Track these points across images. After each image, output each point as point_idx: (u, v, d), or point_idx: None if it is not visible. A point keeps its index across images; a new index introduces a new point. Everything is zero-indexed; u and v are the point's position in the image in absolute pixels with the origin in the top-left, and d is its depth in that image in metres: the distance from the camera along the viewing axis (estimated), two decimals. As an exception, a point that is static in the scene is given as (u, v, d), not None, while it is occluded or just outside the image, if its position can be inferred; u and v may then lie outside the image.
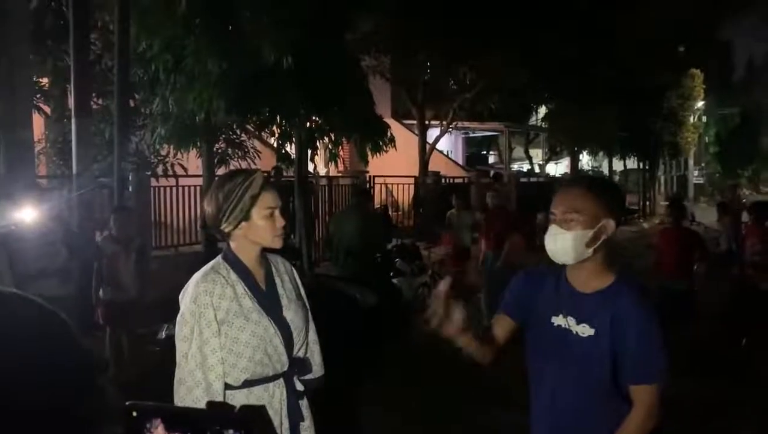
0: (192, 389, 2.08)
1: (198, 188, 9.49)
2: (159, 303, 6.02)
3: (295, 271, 2.40)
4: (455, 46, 13.65)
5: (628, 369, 2.00)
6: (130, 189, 8.38)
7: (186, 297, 2.15)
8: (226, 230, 2.17)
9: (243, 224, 2.16)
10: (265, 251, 2.28)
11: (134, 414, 0.91)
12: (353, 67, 9.67)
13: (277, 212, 2.20)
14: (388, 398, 5.33)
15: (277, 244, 2.22)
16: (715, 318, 6.71)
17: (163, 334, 4.89)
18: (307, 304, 2.37)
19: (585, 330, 2.03)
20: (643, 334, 1.98)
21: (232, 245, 2.22)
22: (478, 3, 13.02)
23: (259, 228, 2.17)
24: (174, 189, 9.58)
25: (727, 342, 6.58)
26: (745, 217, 8.85)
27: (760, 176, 38.65)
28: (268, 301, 2.21)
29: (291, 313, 2.25)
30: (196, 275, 2.18)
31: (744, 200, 13.16)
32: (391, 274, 8.06)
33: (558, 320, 2.08)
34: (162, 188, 9.42)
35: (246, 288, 2.17)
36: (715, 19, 28.52)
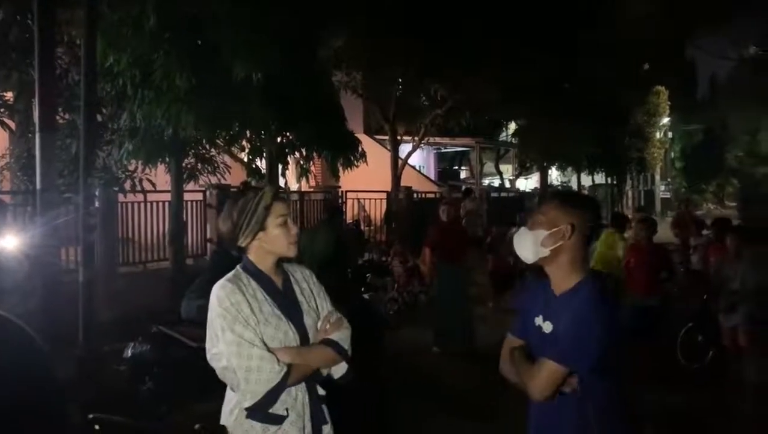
0: (264, 368, 2.14)
1: (167, 203, 9.37)
2: (125, 321, 5.91)
3: (313, 276, 2.47)
4: (426, 63, 13.75)
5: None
6: (97, 205, 8.24)
7: (212, 308, 2.21)
8: (244, 244, 2.29)
9: (260, 234, 2.28)
10: (281, 261, 2.36)
11: (97, 427, 0.89)
12: (324, 82, 9.68)
13: (289, 221, 2.32)
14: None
15: (292, 252, 2.32)
16: (684, 333, 6.80)
17: (128, 352, 4.77)
18: (323, 307, 2.41)
19: (548, 327, 2.24)
20: (575, 319, 2.13)
21: (250, 257, 2.31)
22: (448, 21, 13.16)
23: (275, 237, 2.28)
24: (142, 205, 9.44)
25: (694, 356, 6.68)
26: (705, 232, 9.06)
27: (724, 190, 39.53)
28: (288, 307, 2.29)
29: (310, 319, 2.33)
30: (216, 286, 2.25)
31: (698, 212, 13.40)
32: (363, 289, 8.03)
33: (538, 321, 2.30)
34: (130, 204, 9.28)
35: (266, 295, 2.27)
36: (679, 38, 29.27)
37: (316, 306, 2.38)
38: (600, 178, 27.28)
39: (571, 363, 2.12)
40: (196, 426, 2.06)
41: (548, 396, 2.15)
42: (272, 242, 2.28)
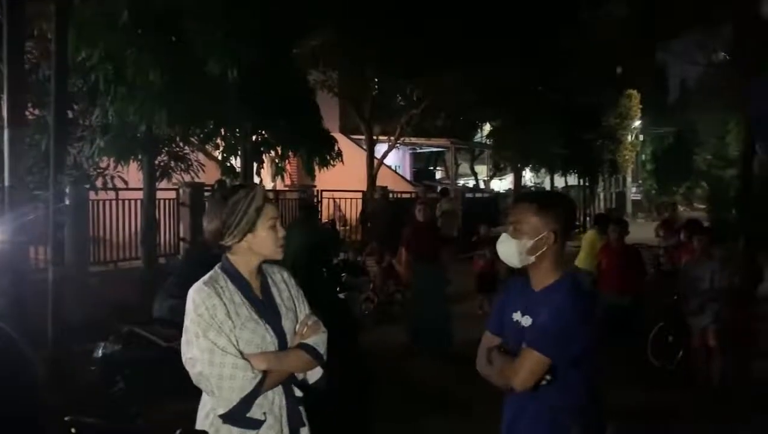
0: (237, 376, 2.11)
1: (139, 201, 9.24)
2: (96, 320, 5.82)
3: (291, 278, 2.44)
4: (402, 63, 13.78)
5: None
6: (67, 203, 8.09)
7: (188, 313, 2.17)
8: (230, 243, 2.24)
9: (248, 236, 2.23)
10: (262, 262, 2.32)
11: (73, 430, 0.87)
12: (300, 80, 9.63)
13: (278, 223, 2.29)
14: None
15: (279, 255, 2.29)
16: (655, 333, 6.89)
17: (99, 352, 4.70)
18: (301, 310, 2.40)
19: (527, 321, 2.29)
20: (555, 312, 2.17)
21: (232, 258, 2.27)
22: (425, 21, 13.19)
23: (263, 239, 2.25)
24: (114, 203, 9.30)
25: (664, 355, 6.78)
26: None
27: (693, 193, 40.28)
28: (266, 310, 2.26)
29: (289, 322, 2.30)
30: (192, 289, 2.21)
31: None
32: (338, 289, 8.01)
33: (516, 316, 2.34)
34: (101, 202, 9.13)
35: (243, 298, 2.23)
36: (651, 42, 29.76)
37: (295, 309, 2.35)
38: (573, 179, 27.60)
39: (552, 355, 2.15)
40: (177, 432, 2.03)
41: (530, 387, 2.17)
42: (260, 244, 2.25)
